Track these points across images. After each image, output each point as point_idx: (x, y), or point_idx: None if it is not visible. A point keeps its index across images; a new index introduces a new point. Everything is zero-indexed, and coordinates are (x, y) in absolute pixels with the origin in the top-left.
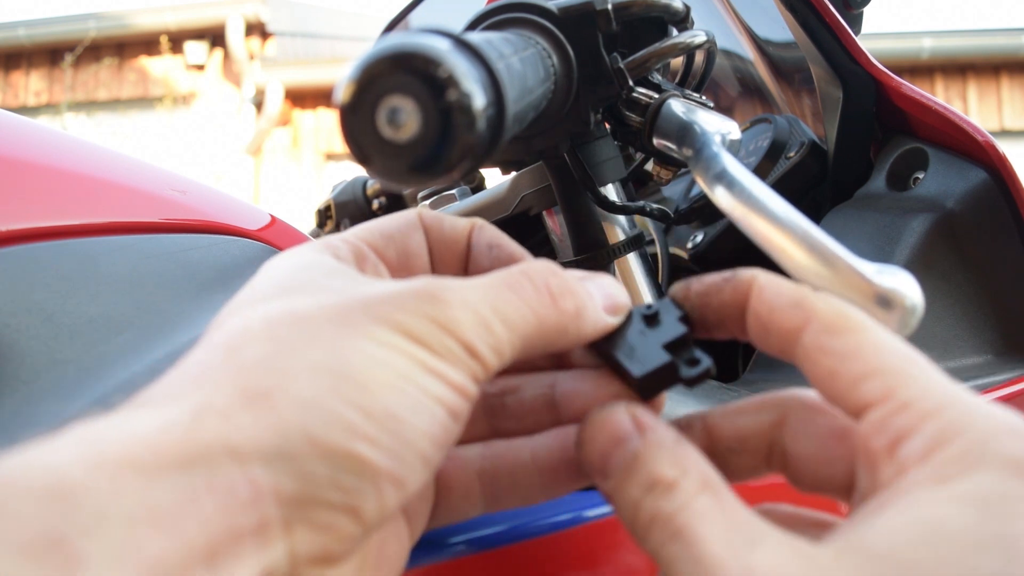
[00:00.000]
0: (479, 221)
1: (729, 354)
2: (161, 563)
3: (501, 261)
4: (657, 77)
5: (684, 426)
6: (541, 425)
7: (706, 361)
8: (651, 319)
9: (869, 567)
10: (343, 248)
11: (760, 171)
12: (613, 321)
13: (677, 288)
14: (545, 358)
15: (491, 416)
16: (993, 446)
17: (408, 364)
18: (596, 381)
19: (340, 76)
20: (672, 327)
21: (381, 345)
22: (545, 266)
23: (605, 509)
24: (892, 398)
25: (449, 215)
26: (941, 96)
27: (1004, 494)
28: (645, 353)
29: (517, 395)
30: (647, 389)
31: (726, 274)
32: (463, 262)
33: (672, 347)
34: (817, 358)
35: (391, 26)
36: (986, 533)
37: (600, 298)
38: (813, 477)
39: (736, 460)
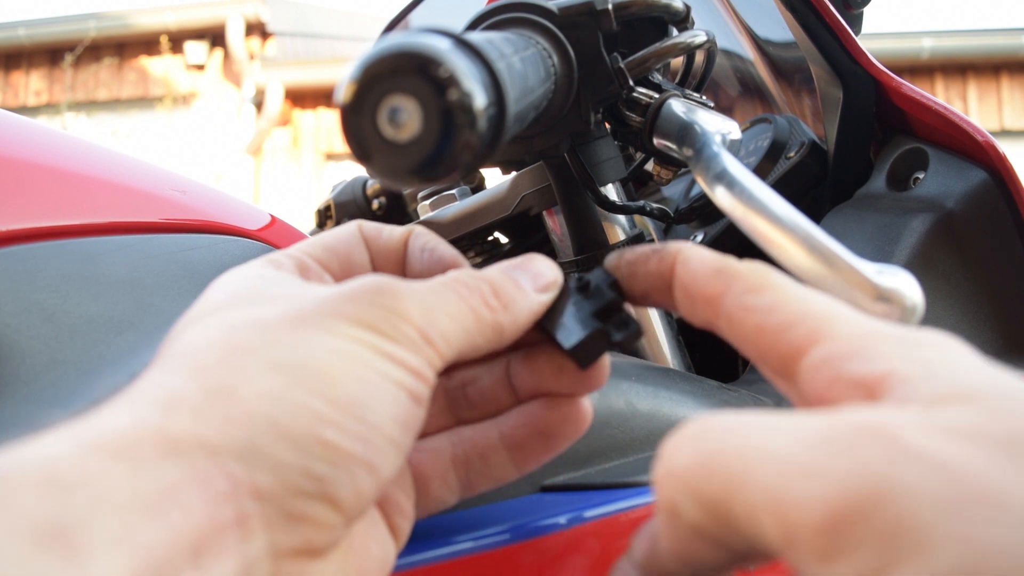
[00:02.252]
0: (416, 228)
1: (729, 354)
2: (153, 551)
3: (432, 262)
4: (657, 77)
5: None
6: (503, 407)
7: (634, 324)
8: (584, 289)
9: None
10: (287, 262)
11: (760, 171)
12: (545, 299)
13: (611, 257)
14: None
15: (455, 408)
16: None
17: (365, 351)
18: (540, 357)
19: (341, 76)
20: (603, 294)
21: (338, 336)
22: (472, 273)
23: (605, 509)
24: (824, 336)
25: (388, 225)
26: (941, 96)
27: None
28: (577, 324)
29: (477, 384)
30: (582, 358)
31: (655, 246)
32: (402, 269)
33: (602, 314)
34: (741, 317)
35: (391, 26)
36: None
37: (529, 280)
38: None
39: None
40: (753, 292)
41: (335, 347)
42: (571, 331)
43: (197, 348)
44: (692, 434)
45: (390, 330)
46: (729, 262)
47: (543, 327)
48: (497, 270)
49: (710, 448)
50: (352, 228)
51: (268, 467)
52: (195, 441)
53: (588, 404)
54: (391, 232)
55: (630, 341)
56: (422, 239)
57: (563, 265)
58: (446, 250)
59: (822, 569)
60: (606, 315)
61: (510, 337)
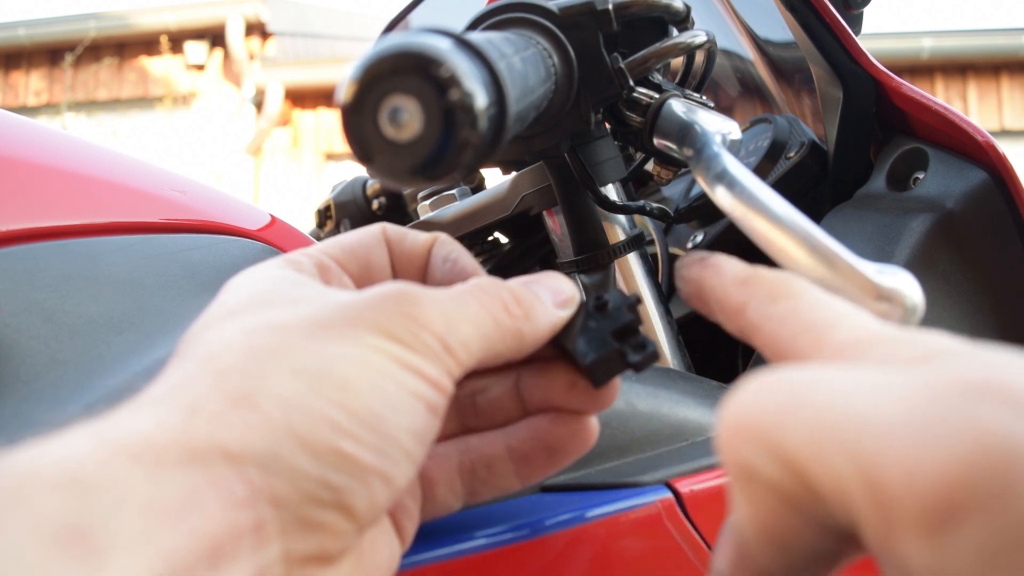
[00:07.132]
0: (441, 236)
1: (729, 354)
2: (171, 555)
3: (454, 273)
4: (657, 77)
5: None
6: (511, 418)
7: (651, 346)
8: (602, 309)
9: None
10: (305, 262)
11: (760, 171)
12: (564, 314)
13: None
14: None
15: (462, 416)
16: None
17: (386, 361)
18: (553, 372)
19: (342, 76)
20: (621, 315)
21: (358, 345)
22: (493, 281)
23: (605, 509)
24: (823, 346)
25: (412, 230)
26: (941, 96)
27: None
28: (594, 342)
29: (486, 394)
30: (597, 376)
31: (703, 253)
32: (423, 275)
33: (620, 334)
34: (761, 325)
35: (391, 26)
36: None
37: (548, 295)
38: None
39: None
40: (771, 301)
41: (356, 356)
42: (588, 349)
43: (218, 351)
44: (765, 385)
45: (411, 340)
46: (756, 271)
47: (560, 343)
48: (516, 283)
49: (789, 399)
50: (375, 230)
51: (286, 475)
52: (215, 447)
53: (595, 421)
54: (416, 238)
55: (646, 363)
56: (446, 248)
57: (563, 265)
58: (468, 262)
59: (929, 546)
60: (623, 336)
61: (529, 347)
